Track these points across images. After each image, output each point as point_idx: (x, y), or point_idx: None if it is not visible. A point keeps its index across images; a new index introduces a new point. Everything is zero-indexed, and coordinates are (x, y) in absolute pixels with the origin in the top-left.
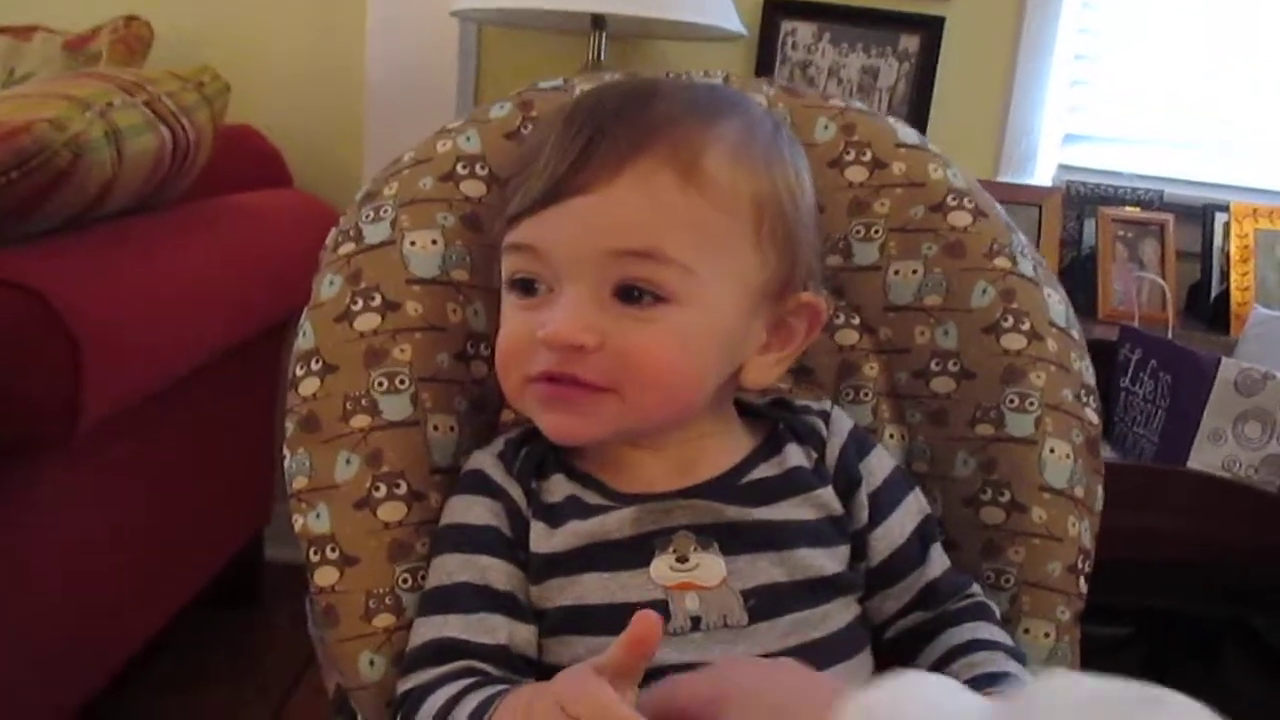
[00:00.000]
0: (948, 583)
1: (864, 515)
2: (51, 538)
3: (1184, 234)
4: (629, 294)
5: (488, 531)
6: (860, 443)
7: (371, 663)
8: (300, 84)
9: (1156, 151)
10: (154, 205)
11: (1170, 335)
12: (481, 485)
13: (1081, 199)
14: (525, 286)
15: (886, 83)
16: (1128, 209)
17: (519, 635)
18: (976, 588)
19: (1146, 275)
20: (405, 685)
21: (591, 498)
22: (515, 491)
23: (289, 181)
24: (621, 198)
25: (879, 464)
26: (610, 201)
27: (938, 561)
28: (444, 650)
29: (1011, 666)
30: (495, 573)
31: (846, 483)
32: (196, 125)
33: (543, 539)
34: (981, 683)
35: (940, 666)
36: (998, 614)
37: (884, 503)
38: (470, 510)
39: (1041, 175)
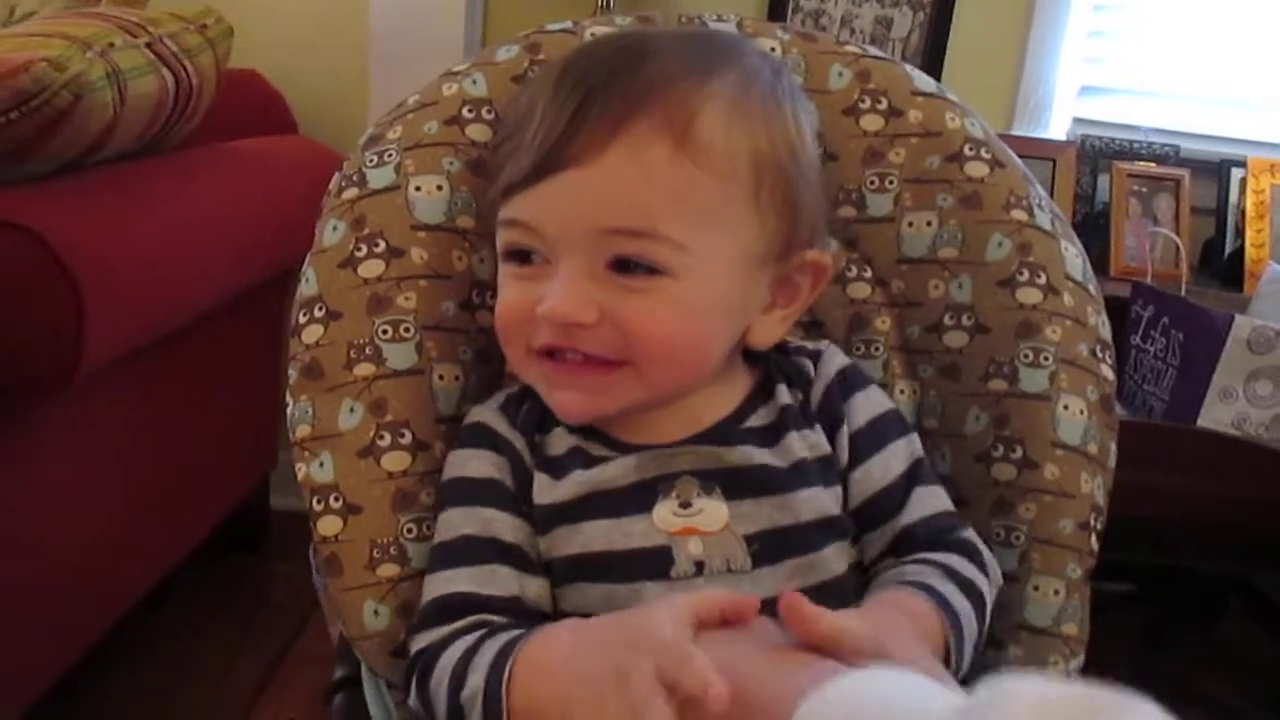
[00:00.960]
0: (926, 528)
1: (844, 456)
2: (54, 482)
3: (1199, 190)
4: (624, 265)
5: (491, 485)
6: (849, 381)
7: (376, 612)
8: (305, 29)
9: (1173, 105)
10: (156, 149)
11: (1183, 292)
12: (483, 438)
13: (1096, 153)
14: (522, 256)
15: (900, 33)
16: (1142, 164)
17: (530, 588)
18: (969, 533)
19: (1160, 231)
20: (417, 644)
21: (595, 448)
22: (519, 443)
23: (293, 128)
24: (613, 171)
25: (865, 404)
26: (601, 175)
27: (919, 506)
28: (454, 605)
29: (934, 578)
30: (500, 525)
31: (829, 423)
32: (199, 68)
33: (546, 490)
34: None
35: (874, 577)
36: (986, 558)
37: (865, 445)
38: (471, 463)
39: (1056, 129)
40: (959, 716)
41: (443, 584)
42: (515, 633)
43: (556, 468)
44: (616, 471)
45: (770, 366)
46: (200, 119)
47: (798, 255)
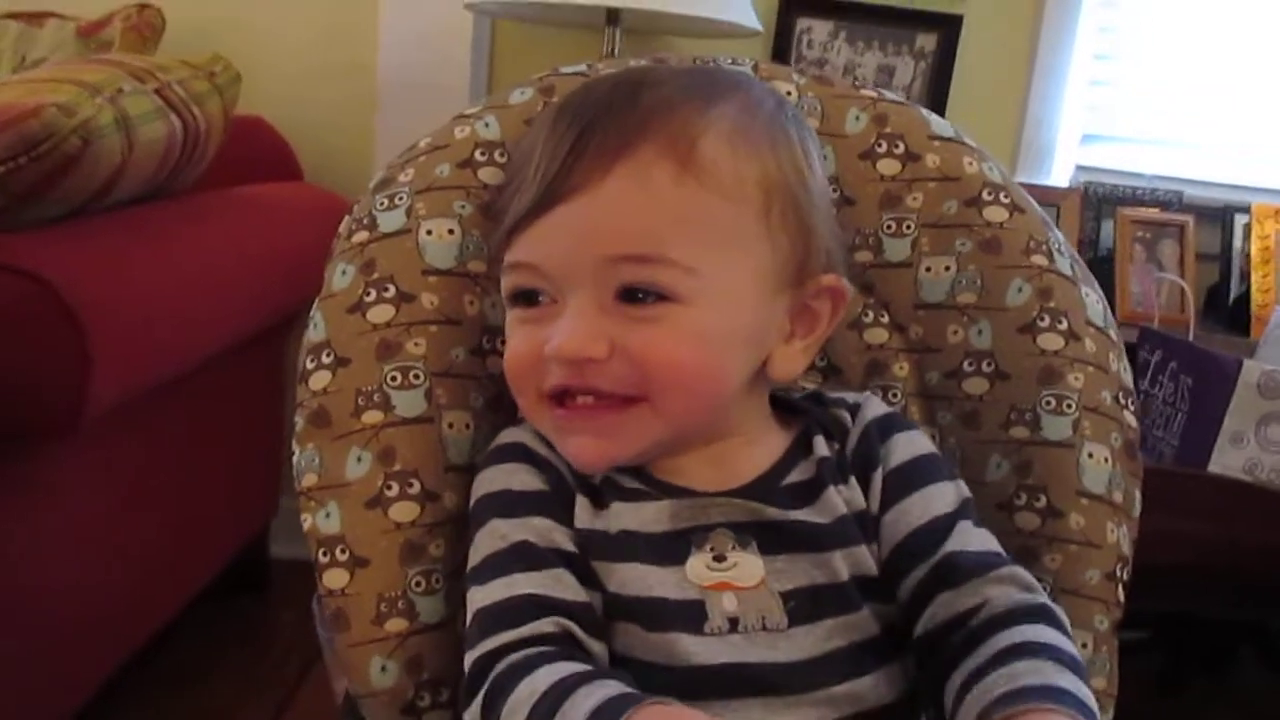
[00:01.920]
0: (976, 557)
1: (876, 501)
2: (58, 527)
3: (1203, 236)
4: (632, 295)
5: (541, 496)
6: (890, 424)
7: (383, 669)
8: (312, 77)
9: (1176, 152)
10: (163, 195)
11: (1190, 337)
12: (523, 455)
13: (1100, 199)
14: (527, 298)
15: (902, 81)
16: (1146, 209)
17: (596, 601)
18: (1023, 572)
19: (1167, 276)
20: (484, 648)
21: (628, 482)
22: (560, 464)
23: (299, 175)
24: (615, 196)
25: (907, 444)
26: (603, 201)
27: (964, 539)
28: (522, 607)
29: (1065, 680)
30: (559, 535)
31: (863, 468)
32: (207, 114)
33: (588, 515)
34: (1011, 700)
35: (970, 683)
36: (1062, 616)
37: (902, 484)
38: (516, 476)
39: (1059, 175)
40: None
41: (503, 589)
42: (613, 688)
43: (596, 494)
44: (650, 515)
45: (809, 419)
46: (207, 165)
47: (814, 281)
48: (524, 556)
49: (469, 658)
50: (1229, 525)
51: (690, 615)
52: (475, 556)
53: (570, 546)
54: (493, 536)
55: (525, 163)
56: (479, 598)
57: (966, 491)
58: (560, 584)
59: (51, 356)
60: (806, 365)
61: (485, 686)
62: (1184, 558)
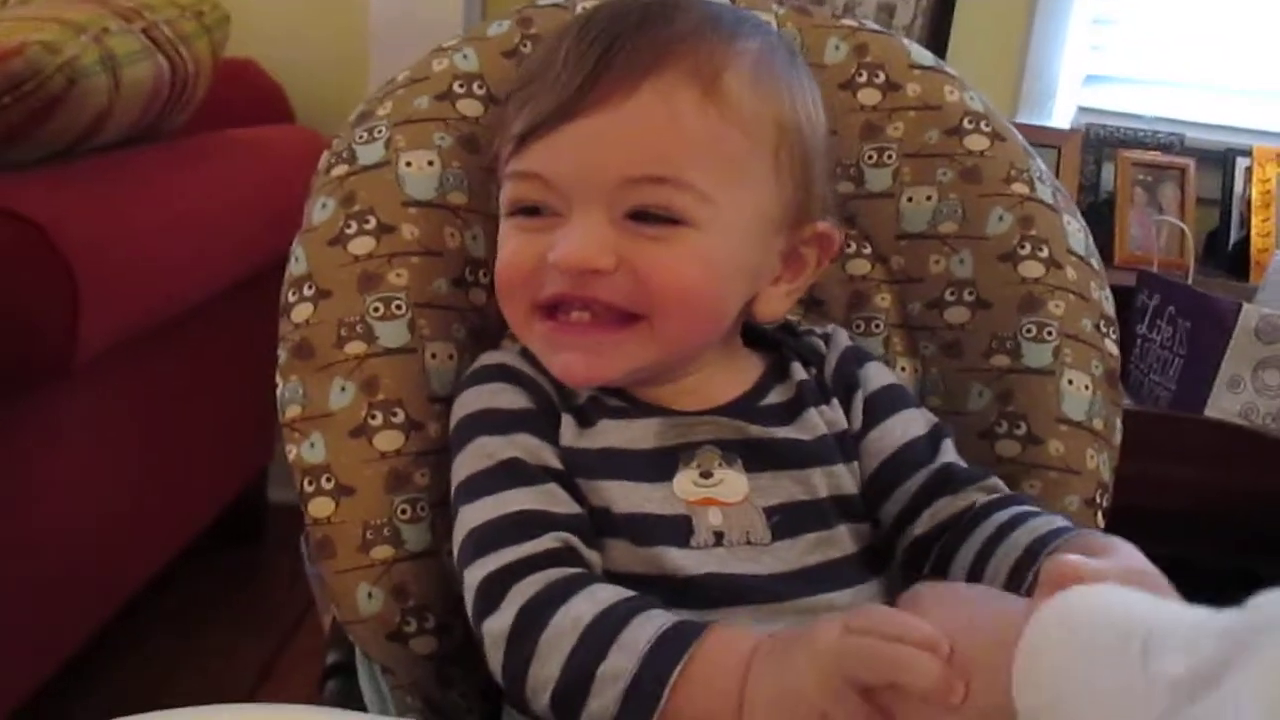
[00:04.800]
0: (968, 471)
1: (858, 420)
2: (52, 472)
3: (1204, 180)
4: (643, 216)
5: (528, 414)
6: (860, 354)
7: (370, 595)
8: (302, 17)
9: (1178, 94)
10: (151, 137)
11: (1190, 281)
12: (508, 375)
13: (1100, 141)
14: (530, 210)
15: (903, 20)
16: (1148, 152)
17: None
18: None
19: (1167, 219)
20: (491, 565)
21: (613, 401)
22: (546, 384)
23: (291, 118)
24: (638, 115)
25: (877, 374)
26: (626, 120)
27: (952, 455)
28: (524, 522)
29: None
30: (546, 453)
31: (845, 390)
32: (195, 55)
33: (572, 434)
34: (1050, 539)
35: (987, 551)
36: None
37: (881, 406)
38: (501, 395)
39: (1060, 117)
40: (1234, 610)
41: (495, 506)
42: (669, 617)
43: (582, 413)
44: (638, 432)
45: (783, 348)
46: (196, 107)
47: (809, 226)
48: (514, 473)
49: (470, 575)
50: (1224, 471)
51: (677, 530)
52: (461, 473)
53: (557, 464)
54: (479, 455)
55: (543, 70)
56: (471, 517)
57: (933, 416)
58: (554, 499)
59: (41, 299)
60: (789, 309)
61: (514, 615)
62: (1178, 503)
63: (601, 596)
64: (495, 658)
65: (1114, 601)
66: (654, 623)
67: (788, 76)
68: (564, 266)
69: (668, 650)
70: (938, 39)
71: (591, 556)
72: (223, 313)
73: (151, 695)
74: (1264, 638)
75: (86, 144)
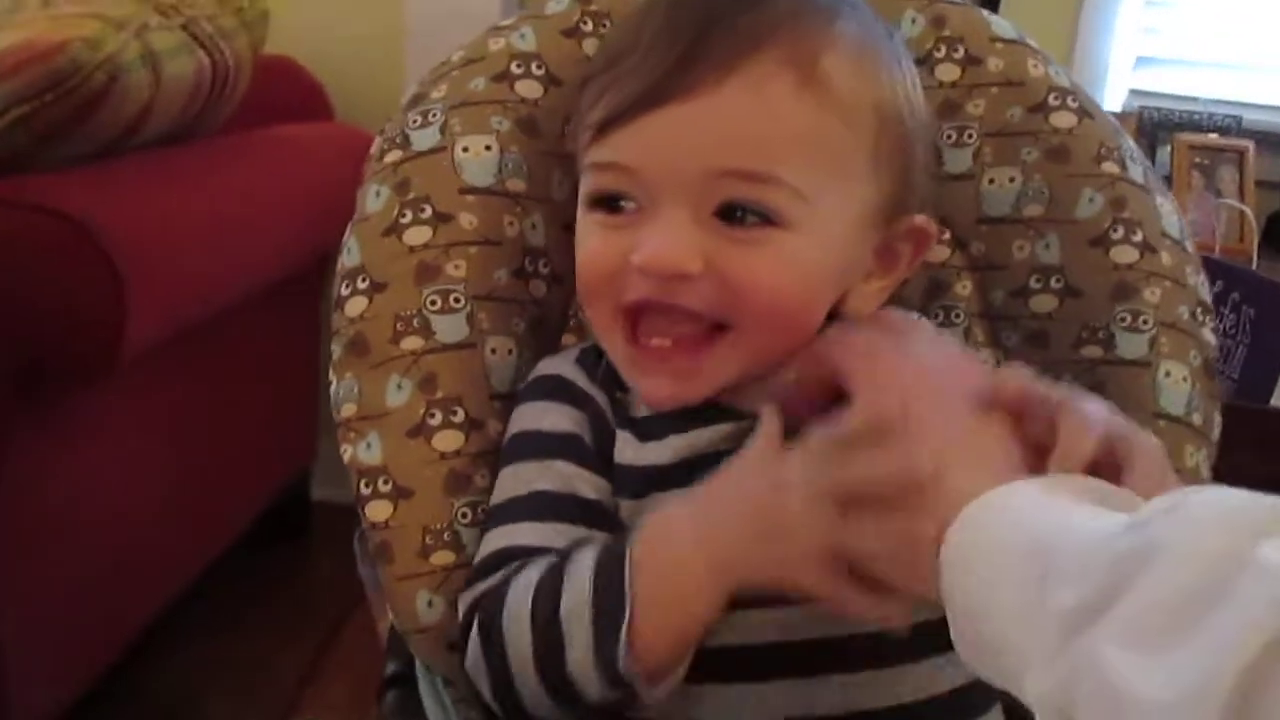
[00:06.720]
0: None
1: None
2: (97, 470)
3: (1263, 162)
4: (732, 213)
5: (571, 440)
6: None
7: (430, 603)
8: (339, 14)
9: (1234, 75)
10: (192, 134)
11: (1254, 267)
12: (560, 390)
13: (1155, 125)
14: (610, 203)
15: None
16: (1204, 135)
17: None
18: None
19: (1228, 202)
20: (471, 595)
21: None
22: (600, 399)
23: (330, 115)
24: (731, 104)
25: None
26: (718, 108)
27: None
28: (514, 556)
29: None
30: (580, 482)
31: None
32: (235, 51)
33: (630, 449)
34: None
35: None
36: None
37: None
38: (548, 416)
39: (1112, 100)
40: (1132, 529)
41: (502, 538)
42: (604, 538)
43: (642, 427)
44: (716, 436)
45: None
46: (236, 104)
47: (906, 219)
48: (536, 507)
49: (460, 604)
50: None
51: None
52: (496, 495)
53: (590, 492)
54: (515, 481)
55: (627, 52)
56: (485, 543)
57: None
58: (560, 537)
59: (87, 297)
60: (880, 305)
61: (476, 625)
62: None
63: (547, 561)
64: (482, 684)
65: (1031, 514)
66: (590, 551)
67: (888, 59)
68: (650, 270)
69: (612, 556)
70: None
71: None
72: (267, 309)
73: (197, 692)
74: (1140, 568)
75: (129, 141)
